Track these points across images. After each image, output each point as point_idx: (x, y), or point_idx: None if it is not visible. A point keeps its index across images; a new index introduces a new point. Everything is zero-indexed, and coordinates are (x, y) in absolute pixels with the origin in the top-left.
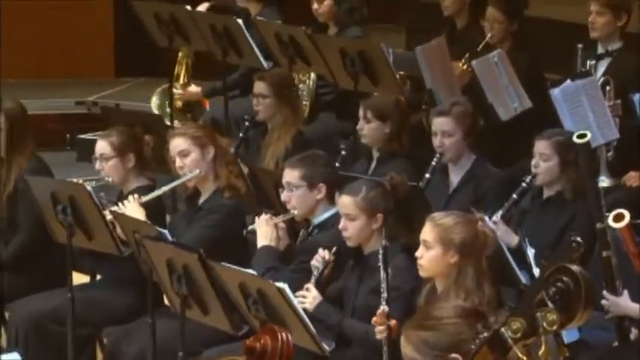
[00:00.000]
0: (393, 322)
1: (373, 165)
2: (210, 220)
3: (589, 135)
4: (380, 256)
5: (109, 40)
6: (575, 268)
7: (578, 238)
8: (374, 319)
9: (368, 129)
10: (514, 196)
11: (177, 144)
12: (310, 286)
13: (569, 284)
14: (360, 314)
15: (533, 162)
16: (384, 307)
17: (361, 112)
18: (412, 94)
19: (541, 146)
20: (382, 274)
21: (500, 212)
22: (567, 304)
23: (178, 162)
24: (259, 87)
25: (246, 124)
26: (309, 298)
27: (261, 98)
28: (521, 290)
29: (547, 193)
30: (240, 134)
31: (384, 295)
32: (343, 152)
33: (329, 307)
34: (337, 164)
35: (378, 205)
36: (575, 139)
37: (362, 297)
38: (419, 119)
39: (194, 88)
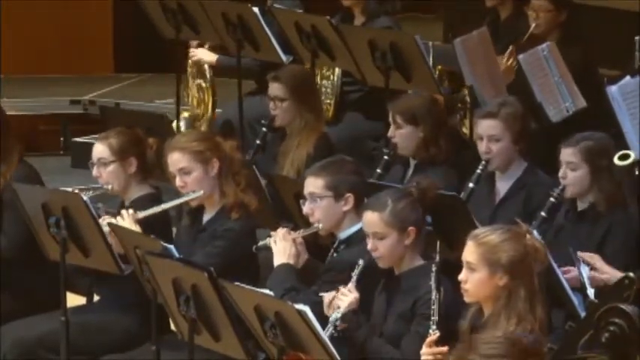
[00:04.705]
0: (444, 348)
1: (410, 173)
2: (215, 247)
3: (633, 155)
4: (432, 275)
5: (108, 31)
6: (628, 308)
7: (631, 274)
8: (424, 348)
9: (399, 135)
10: (542, 213)
11: (177, 160)
12: (352, 286)
13: (623, 327)
14: (388, 341)
15: (561, 172)
16: (434, 333)
17: (390, 118)
18: (449, 94)
19: (567, 154)
20: (434, 294)
21: None
22: (622, 350)
23: (179, 180)
24: (275, 89)
25: (263, 129)
26: (348, 298)
27: (278, 101)
28: (568, 328)
29: (581, 206)
30: (257, 141)
31: (435, 318)
32: (386, 157)
33: (362, 317)
34: (379, 170)
35: (408, 217)
36: (616, 161)
37: (391, 322)
38: (454, 122)
39: (208, 54)
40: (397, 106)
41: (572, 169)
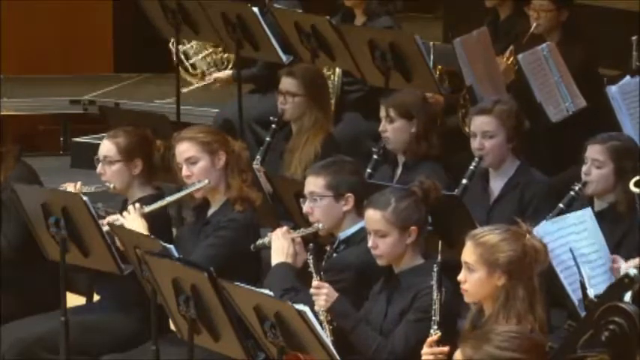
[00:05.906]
0: (445, 348)
1: (399, 172)
2: (218, 238)
3: None
4: (434, 274)
5: (108, 30)
6: (628, 307)
7: (631, 272)
8: (425, 348)
9: (392, 130)
10: (561, 205)
11: (185, 150)
12: (318, 282)
13: (623, 326)
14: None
15: (584, 169)
16: (434, 333)
17: (383, 112)
18: (450, 93)
19: (594, 151)
20: (435, 294)
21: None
22: (622, 349)
23: (185, 170)
24: (288, 84)
25: (273, 126)
26: (321, 295)
27: (290, 96)
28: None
29: (599, 205)
30: (267, 138)
31: (436, 318)
32: (375, 156)
33: (348, 305)
34: (369, 170)
35: (410, 217)
36: (632, 186)
37: (391, 320)
38: (455, 121)
39: (221, 73)
40: (391, 100)
41: (597, 166)
